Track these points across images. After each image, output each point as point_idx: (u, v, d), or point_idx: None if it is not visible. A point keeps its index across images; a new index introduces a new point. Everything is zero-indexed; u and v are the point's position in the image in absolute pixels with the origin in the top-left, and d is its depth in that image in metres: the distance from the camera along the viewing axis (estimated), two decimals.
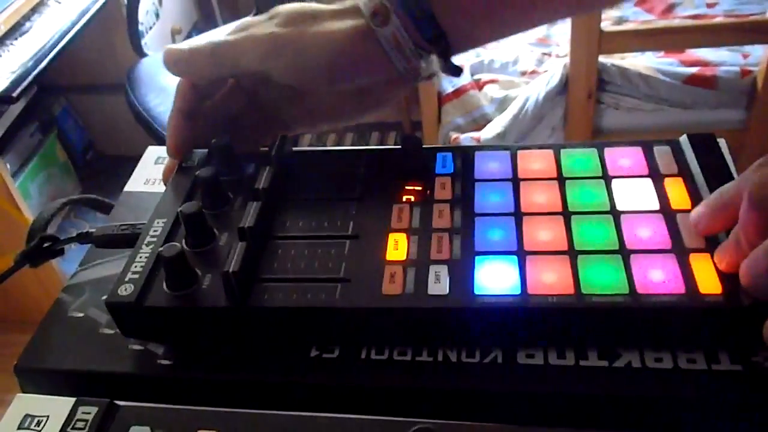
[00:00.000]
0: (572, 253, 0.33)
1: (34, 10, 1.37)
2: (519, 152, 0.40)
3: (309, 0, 0.43)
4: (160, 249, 0.34)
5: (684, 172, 0.37)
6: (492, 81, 1.46)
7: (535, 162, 0.39)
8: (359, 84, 0.42)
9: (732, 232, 0.32)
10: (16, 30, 1.32)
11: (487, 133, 1.37)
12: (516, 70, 1.49)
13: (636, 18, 1.52)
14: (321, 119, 0.46)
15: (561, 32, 1.54)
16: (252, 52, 0.40)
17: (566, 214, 0.36)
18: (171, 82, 1.77)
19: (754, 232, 0.30)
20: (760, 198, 0.30)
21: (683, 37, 1.30)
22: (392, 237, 0.36)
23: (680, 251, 0.33)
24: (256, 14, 1.87)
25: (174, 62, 0.43)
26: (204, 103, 0.44)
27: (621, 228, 0.34)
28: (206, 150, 0.43)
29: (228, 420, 0.30)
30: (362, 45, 0.40)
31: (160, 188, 0.45)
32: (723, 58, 1.34)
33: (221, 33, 0.42)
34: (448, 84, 1.45)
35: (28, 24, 1.34)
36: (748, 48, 1.36)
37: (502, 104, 1.41)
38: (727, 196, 0.33)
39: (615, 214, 0.35)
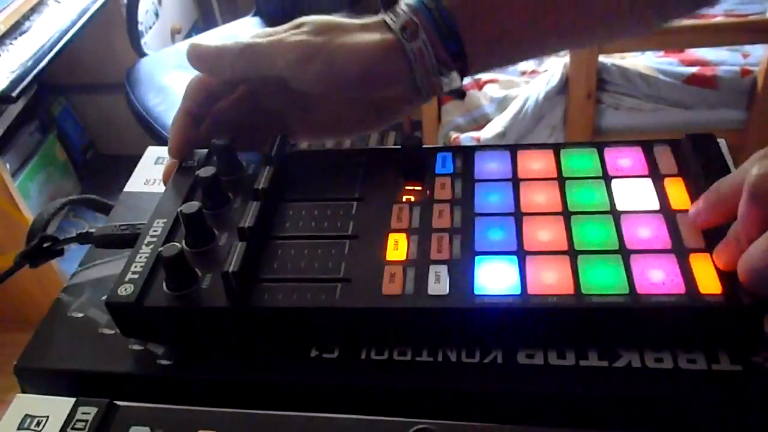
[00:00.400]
0: (572, 253, 0.33)
1: (33, 9, 1.37)
2: (519, 152, 0.40)
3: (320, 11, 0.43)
4: (160, 249, 0.34)
5: (684, 172, 0.37)
6: (492, 80, 1.46)
7: (535, 162, 0.39)
8: (379, 96, 0.43)
9: (731, 229, 0.32)
10: (15, 29, 1.32)
11: (487, 132, 1.37)
12: (516, 69, 1.49)
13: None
14: (326, 131, 0.46)
15: None
16: (283, 56, 0.40)
17: (566, 214, 0.36)
18: (170, 81, 1.76)
19: (754, 227, 0.30)
20: (760, 192, 0.29)
21: (683, 37, 1.30)
22: (392, 237, 0.36)
23: (680, 251, 0.33)
24: (255, 14, 1.86)
25: (199, 58, 0.42)
26: (211, 106, 0.44)
27: (621, 228, 0.34)
28: (206, 150, 0.43)
29: (227, 420, 0.30)
30: (390, 58, 0.41)
31: (160, 188, 0.45)
32: (723, 58, 1.34)
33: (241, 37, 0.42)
34: None
35: (27, 23, 1.34)
36: (748, 48, 1.36)
37: (502, 104, 1.41)
38: (724, 190, 0.33)
39: (615, 214, 0.35)
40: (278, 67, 0.41)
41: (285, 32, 0.42)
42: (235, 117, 0.45)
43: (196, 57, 0.42)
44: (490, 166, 0.40)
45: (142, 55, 1.62)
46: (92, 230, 0.41)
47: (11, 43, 1.29)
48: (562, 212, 0.36)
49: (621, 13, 0.43)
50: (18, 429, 0.31)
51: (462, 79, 0.42)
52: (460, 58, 0.42)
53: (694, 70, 1.31)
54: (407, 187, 0.39)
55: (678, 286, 0.31)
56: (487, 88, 1.45)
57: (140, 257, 0.36)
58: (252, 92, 0.45)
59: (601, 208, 0.36)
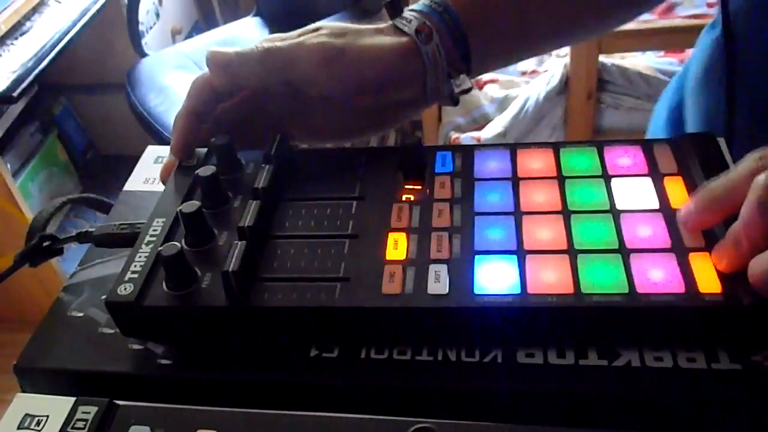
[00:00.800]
0: (572, 253, 0.33)
1: (34, 9, 1.37)
2: (518, 151, 0.40)
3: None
4: (160, 248, 0.34)
5: (684, 172, 0.37)
6: (492, 80, 1.47)
7: (535, 161, 0.39)
8: (388, 101, 0.43)
9: (731, 232, 0.31)
10: (16, 30, 1.32)
11: (488, 132, 1.37)
12: (516, 69, 1.49)
13: (636, 18, 1.52)
14: (327, 136, 0.46)
15: None
16: (306, 59, 0.41)
17: (566, 213, 0.36)
18: (171, 82, 1.76)
19: (760, 237, 0.30)
20: None
21: (683, 37, 1.30)
22: (392, 236, 0.36)
23: (680, 250, 0.33)
24: (256, 14, 1.86)
25: (219, 65, 0.42)
26: (215, 106, 0.44)
27: (621, 227, 0.34)
28: (205, 149, 0.43)
29: (227, 420, 0.30)
30: (407, 61, 0.42)
31: (160, 187, 0.45)
32: None
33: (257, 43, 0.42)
34: None
35: (28, 24, 1.34)
36: None
37: (503, 104, 1.41)
38: (718, 192, 0.33)
39: (615, 213, 0.35)
40: (301, 69, 0.41)
41: (302, 36, 0.42)
42: (237, 118, 0.45)
43: (216, 64, 0.42)
44: (489, 165, 0.40)
45: (143, 55, 1.62)
46: (92, 229, 0.41)
47: (12, 44, 1.29)
48: (561, 211, 0.36)
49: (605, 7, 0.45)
50: (18, 428, 0.31)
51: (471, 81, 0.43)
52: (467, 60, 0.43)
53: None
54: (407, 187, 0.39)
55: (678, 285, 0.31)
56: (487, 88, 1.45)
57: (140, 256, 0.36)
58: (255, 95, 0.45)
59: (600, 207, 0.36)
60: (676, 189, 0.36)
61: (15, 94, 1.19)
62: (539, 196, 0.37)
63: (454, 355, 0.33)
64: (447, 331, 0.33)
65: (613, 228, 0.34)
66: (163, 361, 0.35)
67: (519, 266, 0.33)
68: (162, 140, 1.37)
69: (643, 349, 0.32)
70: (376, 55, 0.41)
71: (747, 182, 0.31)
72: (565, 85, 1.34)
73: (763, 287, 0.30)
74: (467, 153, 0.41)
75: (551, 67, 1.40)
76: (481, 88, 1.45)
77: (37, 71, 1.23)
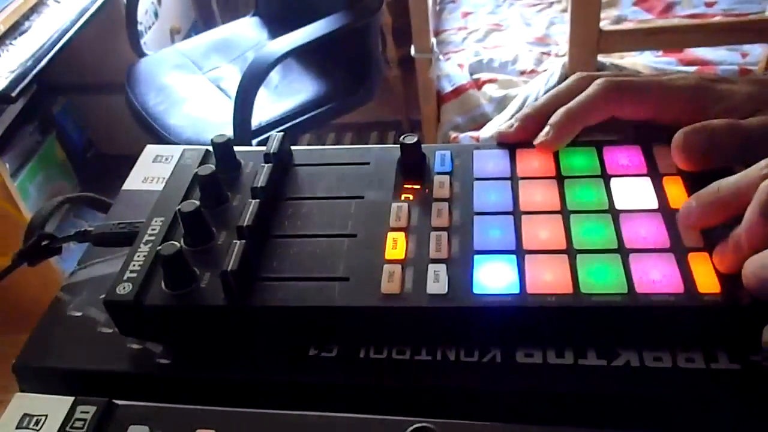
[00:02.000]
0: (571, 252, 0.33)
1: (33, 9, 1.37)
2: (517, 150, 0.40)
3: None
4: (159, 248, 0.34)
5: (683, 172, 0.37)
6: (491, 80, 1.46)
7: (534, 160, 0.39)
8: None
9: (733, 235, 0.31)
10: (15, 29, 1.32)
11: (487, 132, 1.37)
12: (515, 69, 1.49)
13: (635, 17, 1.52)
14: None
15: (560, 31, 1.54)
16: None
17: (565, 213, 0.36)
18: (170, 81, 1.76)
19: (761, 242, 0.30)
20: None
21: (682, 37, 1.30)
22: (391, 236, 0.36)
23: (679, 250, 0.33)
24: (255, 14, 1.86)
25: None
26: None
27: (620, 227, 0.34)
28: (204, 148, 0.43)
29: (226, 419, 0.30)
30: None
31: (159, 187, 0.45)
32: (722, 57, 1.35)
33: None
34: (448, 83, 1.45)
35: (27, 23, 1.34)
36: (746, 47, 1.36)
37: (501, 103, 1.41)
38: (726, 193, 0.32)
39: (614, 213, 0.35)
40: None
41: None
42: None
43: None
44: (488, 164, 0.40)
45: (142, 55, 1.62)
46: (90, 228, 0.41)
47: (11, 43, 1.29)
48: (560, 211, 0.36)
49: None
50: (17, 428, 0.31)
51: None
52: None
53: (692, 69, 1.31)
54: (406, 186, 0.39)
55: (676, 285, 0.31)
56: (486, 87, 1.45)
57: (138, 256, 0.36)
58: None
59: (599, 206, 0.36)
60: (675, 189, 0.36)
61: (14, 94, 1.19)
62: (538, 195, 0.37)
63: (453, 355, 0.33)
64: (446, 330, 0.33)
65: (612, 228, 0.34)
66: (162, 361, 0.35)
67: (518, 266, 0.33)
68: (161, 140, 1.37)
69: (642, 349, 0.32)
70: None
71: (755, 187, 0.30)
72: None
73: (754, 289, 0.30)
74: (466, 152, 0.41)
75: (550, 66, 1.40)
76: (479, 87, 1.45)
77: (35, 71, 1.23)
